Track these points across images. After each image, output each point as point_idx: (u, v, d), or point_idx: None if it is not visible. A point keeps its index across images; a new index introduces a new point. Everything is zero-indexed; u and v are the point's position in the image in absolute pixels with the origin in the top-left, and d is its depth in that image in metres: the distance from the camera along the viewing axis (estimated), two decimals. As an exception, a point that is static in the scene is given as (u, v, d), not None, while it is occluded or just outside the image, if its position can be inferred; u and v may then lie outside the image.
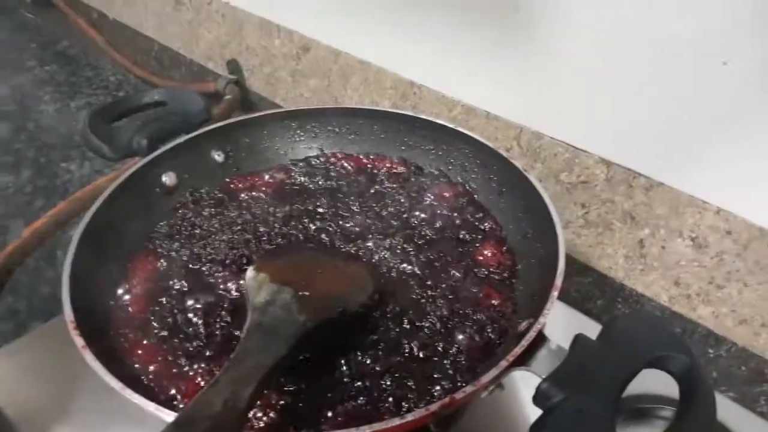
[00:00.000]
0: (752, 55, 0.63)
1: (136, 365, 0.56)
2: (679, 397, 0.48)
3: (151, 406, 0.46)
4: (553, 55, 0.79)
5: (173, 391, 0.54)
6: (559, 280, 0.54)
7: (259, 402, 0.50)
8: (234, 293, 0.62)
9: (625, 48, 0.72)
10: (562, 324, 0.53)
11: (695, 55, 0.67)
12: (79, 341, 0.51)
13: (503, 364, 0.47)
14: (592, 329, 0.50)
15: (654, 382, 0.55)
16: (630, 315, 0.61)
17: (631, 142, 0.77)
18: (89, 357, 0.50)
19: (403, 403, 0.51)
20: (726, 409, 0.68)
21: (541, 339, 0.50)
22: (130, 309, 0.61)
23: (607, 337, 0.50)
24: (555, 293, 0.53)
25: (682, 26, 0.67)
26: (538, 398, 0.47)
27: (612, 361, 0.48)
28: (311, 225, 0.70)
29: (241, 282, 0.61)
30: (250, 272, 0.59)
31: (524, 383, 0.58)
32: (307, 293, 0.55)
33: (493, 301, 0.61)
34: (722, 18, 0.64)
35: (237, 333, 0.58)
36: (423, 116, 0.80)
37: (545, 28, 0.79)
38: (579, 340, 0.50)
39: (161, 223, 0.70)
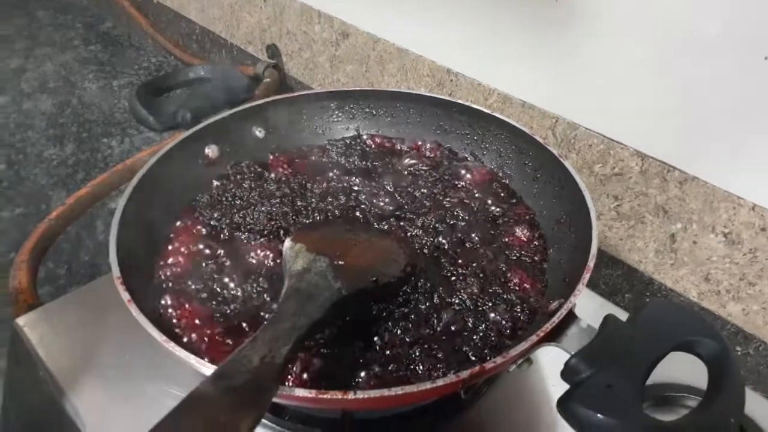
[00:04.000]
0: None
1: (175, 324, 0.58)
2: (708, 381, 0.48)
3: (192, 359, 0.48)
4: (591, 47, 0.80)
5: (210, 350, 0.56)
6: (591, 262, 0.55)
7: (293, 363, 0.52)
8: (271, 261, 0.64)
9: (663, 42, 0.72)
10: (591, 312, 0.54)
11: (735, 50, 0.67)
12: (125, 296, 0.53)
13: (533, 338, 0.48)
14: (621, 317, 0.51)
15: (681, 370, 0.56)
16: (661, 299, 0.61)
17: (666, 136, 0.77)
18: (135, 311, 0.52)
19: (432, 372, 0.52)
20: (755, 403, 0.67)
21: (571, 317, 0.51)
22: (170, 272, 0.63)
23: (637, 318, 0.50)
24: (587, 275, 0.54)
25: (723, 22, 0.67)
26: (567, 373, 0.48)
27: (641, 341, 0.48)
28: (347, 202, 0.72)
29: (280, 250, 0.63)
30: (287, 242, 0.61)
31: (552, 360, 0.59)
32: (342, 263, 0.56)
33: (524, 283, 0.62)
34: (763, 13, 0.63)
35: (272, 299, 0.59)
36: (460, 101, 0.81)
37: (584, 21, 0.79)
38: (609, 320, 0.51)
39: (203, 193, 0.73)
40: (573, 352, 0.48)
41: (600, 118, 0.83)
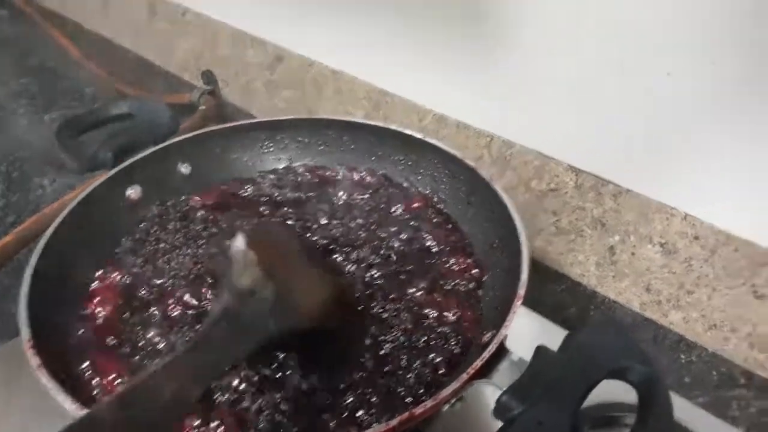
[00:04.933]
0: (692, 67, 0.65)
1: (97, 383, 0.55)
2: (638, 407, 0.47)
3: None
4: (523, 65, 0.80)
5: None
6: (521, 290, 0.54)
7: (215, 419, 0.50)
8: (197, 309, 0.61)
9: (589, 60, 0.73)
10: (533, 335, 0.53)
11: (644, 67, 0.68)
12: (35, 360, 0.50)
13: (464, 377, 0.47)
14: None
15: (620, 391, 0.55)
16: (591, 326, 0.60)
17: (599, 150, 0.78)
18: (45, 378, 0.49)
19: (365, 419, 0.50)
20: (696, 416, 0.67)
21: (502, 351, 0.50)
22: (91, 326, 0.60)
23: (568, 348, 0.50)
24: (518, 303, 0.53)
25: (631, 40, 0.68)
26: (498, 410, 0.47)
27: (572, 372, 0.48)
28: (278, 237, 0.69)
29: (204, 295, 0.60)
30: (240, 241, 0.51)
31: (488, 395, 0.58)
32: (285, 297, 0.50)
33: (459, 313, 0.61)
34: (662, 32, 0.65)
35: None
36: (393, 127, 0.79)
37: (514, 38, 0.79)
38: (540, 351, 0.50)
39: (126, 238, 0.70)
40: (504, 388, 0.47)
41: (534, 135, 0.83)
